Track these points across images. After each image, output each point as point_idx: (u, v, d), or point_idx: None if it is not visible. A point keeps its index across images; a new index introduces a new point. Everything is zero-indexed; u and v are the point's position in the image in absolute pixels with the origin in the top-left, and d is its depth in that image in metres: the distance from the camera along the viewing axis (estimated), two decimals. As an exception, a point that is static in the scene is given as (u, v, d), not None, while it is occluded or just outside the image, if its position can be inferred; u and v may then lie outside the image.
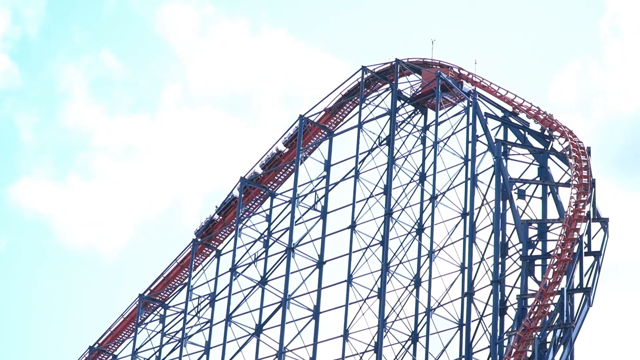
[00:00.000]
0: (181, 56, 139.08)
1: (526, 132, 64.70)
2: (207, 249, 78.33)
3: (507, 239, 59.86)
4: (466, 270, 62.20)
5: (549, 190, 60.89)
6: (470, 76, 69.08)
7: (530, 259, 57.07)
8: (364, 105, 71.25)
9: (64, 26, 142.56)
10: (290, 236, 69.58)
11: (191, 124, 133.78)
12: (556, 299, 52.65)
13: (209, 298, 74.71)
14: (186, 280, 77.94)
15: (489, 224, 62.11)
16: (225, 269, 74.14)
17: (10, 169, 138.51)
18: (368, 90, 72.34)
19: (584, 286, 53.93)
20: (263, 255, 72.68)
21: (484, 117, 64.70)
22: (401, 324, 65.75)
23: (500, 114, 66.07)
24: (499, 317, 57.38)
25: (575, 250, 54.27)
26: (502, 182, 60.56)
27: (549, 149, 62.93)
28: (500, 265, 58.54)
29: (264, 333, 69.92)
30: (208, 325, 73.85)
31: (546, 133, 64.03)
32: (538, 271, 56.96)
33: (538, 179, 62.02)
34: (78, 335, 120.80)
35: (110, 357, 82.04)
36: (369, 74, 71.97)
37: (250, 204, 75.80)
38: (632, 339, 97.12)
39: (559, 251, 53.91)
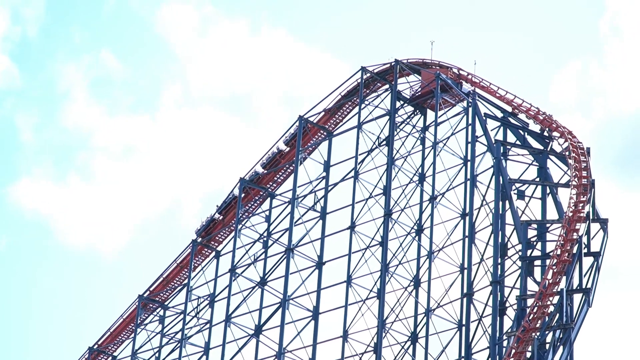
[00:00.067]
0: (181, 56, 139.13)
1: (526, 133, 64.63)
2: (206, 249, 78.28)
3: (506, 239, 59.75)
4: (465, 271, 62.09)
5: (548, 191, 60.82)
6: (469, 77, 69.04)
7: (529, 259, 57.01)
8: (363, 105, 71.25)
9: (63, 26, 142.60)
10: (290, 237, 69.54)
11: (191, 124, 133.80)
12: (556, 299, 52.61)
13: (209, 299, 74.67)
14: (186, 281, 77.88)
15: (488, 224, 62.03)
16: (225, 269, 74.18)
17: (10, 169, 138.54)
18: (367, 91, 72.30)
19: (584, 287, 53.89)
20: (262, 256, 72.63)
21: (484, 118, 64.66)
22: (401, 324, 65.74)
23: (499, 114, 65.98)
24: (498, 318, 57.32)
25: (574, 250, 54.21)
26: (501, 182, 60.50)
27: (548, 149, 62.87)
28: (499, 266, 58.49)
29: (264, 334, 69.88)
30: (207, 325, 73.79)
31: (546, 134, 63.96)
32: (537, 272, 56.88)
33: (537, 179, 61.94)
34: (77, 336, 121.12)
35: (110, 358, 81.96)
36: (368, 74, 71.91)
37: (250, 205, 75.80)
38: (632, 339, 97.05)
39: (559, 252, 53.86)
